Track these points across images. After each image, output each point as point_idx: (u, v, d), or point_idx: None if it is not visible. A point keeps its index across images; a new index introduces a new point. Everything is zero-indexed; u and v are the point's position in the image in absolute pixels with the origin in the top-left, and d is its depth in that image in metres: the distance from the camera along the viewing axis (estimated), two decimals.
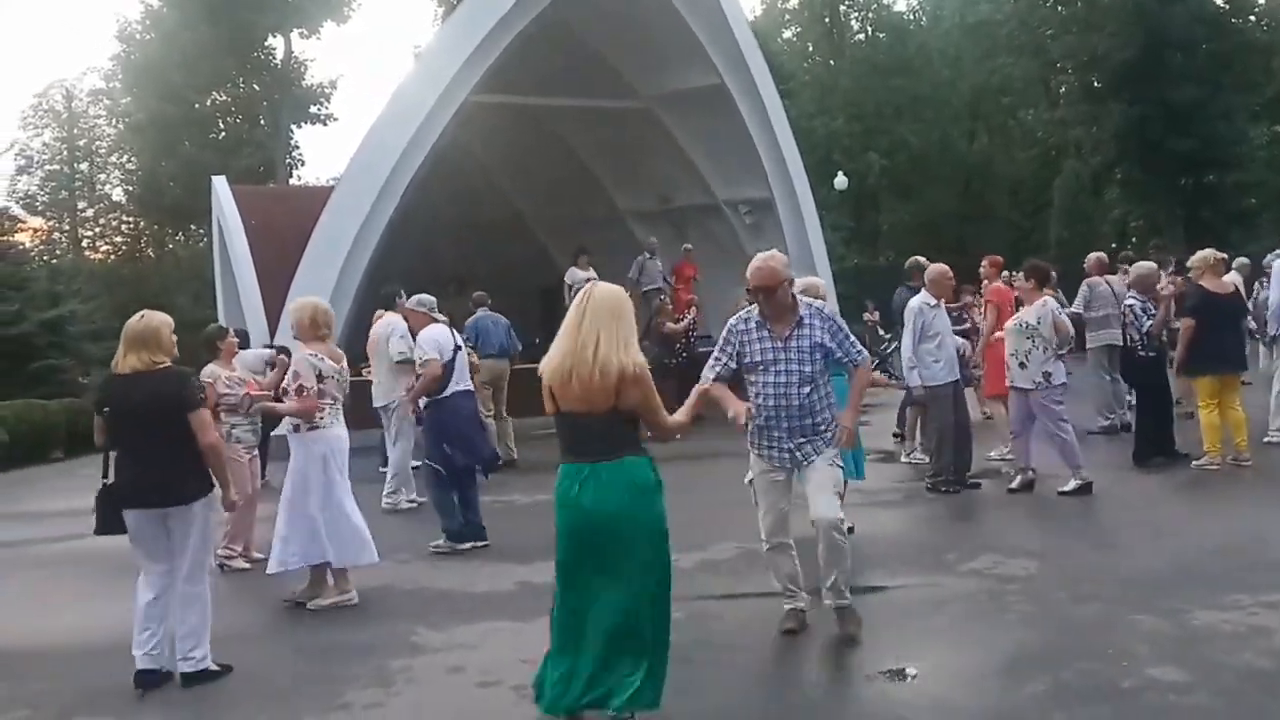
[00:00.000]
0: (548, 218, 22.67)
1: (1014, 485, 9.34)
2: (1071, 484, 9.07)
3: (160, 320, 5.74)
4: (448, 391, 8.64)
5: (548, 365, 4.63)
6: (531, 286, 20.97)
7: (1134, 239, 32.80)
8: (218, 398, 8.14)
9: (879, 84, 39.58)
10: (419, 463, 9.56)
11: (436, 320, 9.27)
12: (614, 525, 4.54)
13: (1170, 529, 7.76)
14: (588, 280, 17.66)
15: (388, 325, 10.53)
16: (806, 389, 5.61)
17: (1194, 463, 9.65)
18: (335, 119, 41.62)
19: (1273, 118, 35.89)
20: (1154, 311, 10.00)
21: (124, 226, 42.85)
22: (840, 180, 32.60)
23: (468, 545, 8.45)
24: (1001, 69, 40.04)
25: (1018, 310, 9.65)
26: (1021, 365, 9.14)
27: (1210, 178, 31.90)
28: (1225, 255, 10.42)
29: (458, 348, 8.93)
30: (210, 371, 8.38)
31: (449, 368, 8.66)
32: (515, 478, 11.87)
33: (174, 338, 5.76)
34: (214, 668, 5.71)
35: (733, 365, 5.73)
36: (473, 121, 17.98)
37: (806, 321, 5.70)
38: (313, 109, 39.27)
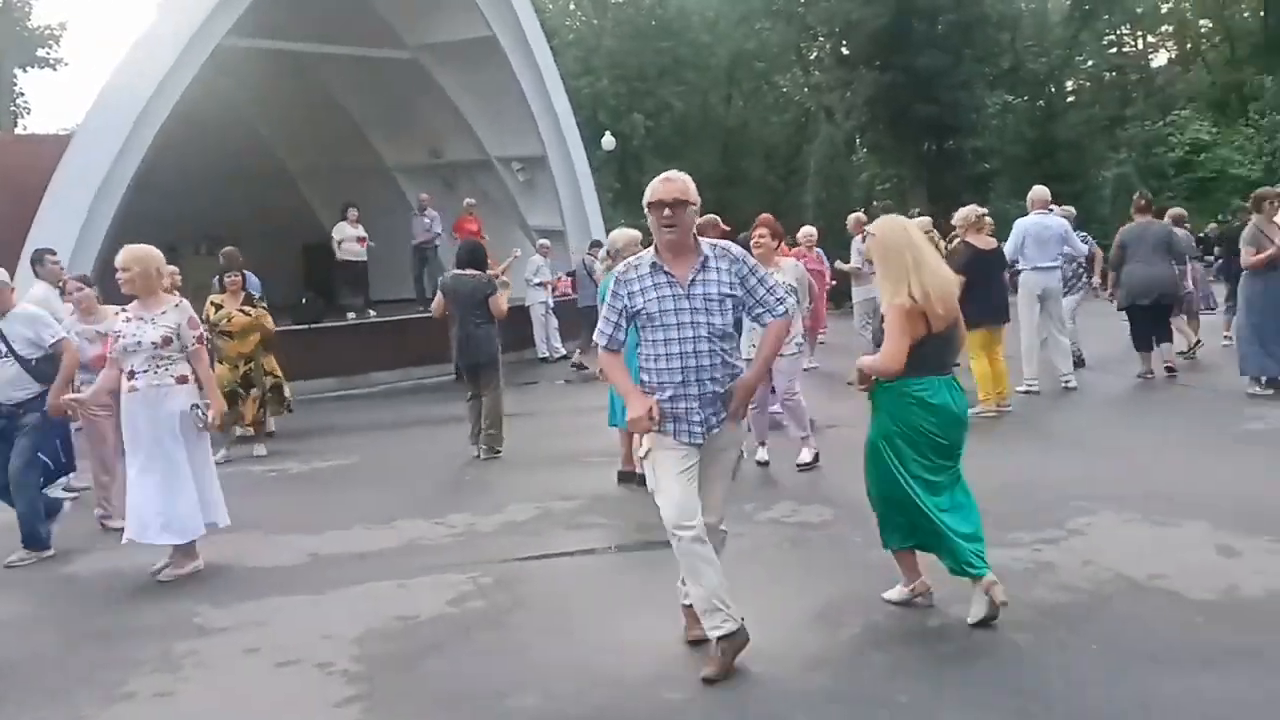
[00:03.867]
0: (312, 171, 21.74)
1: (761, 459, 8.75)
2: (807, 455, 8.57)
3: None
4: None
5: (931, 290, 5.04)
6: (295, 243, 20.07)
7: (874, 202, 34.37)
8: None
9: (642, 46, 39.87)
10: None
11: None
12: None
13: None
14: (357, 239, 17.18)
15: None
16: (717, 345, 4.62)
17: (969, 410, 10.10)
18: (65, 64, 38.49)
19: (1006, 87, 38.35)
20: None
21: None
22: (607, 140, 32.69)
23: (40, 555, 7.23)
24: (758, 34, 41.02)
25: None
26: None
27: (951, 143, 33.83)
28: (985, 211, 10.94)
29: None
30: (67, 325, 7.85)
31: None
32: (279, 446, 11.31)
33: None
34: None
35: (625, 324, 4.71)
36: (230, 68, 16.94)
37: (712, 265, 4.65)
38: (40, 52, 36.14)
